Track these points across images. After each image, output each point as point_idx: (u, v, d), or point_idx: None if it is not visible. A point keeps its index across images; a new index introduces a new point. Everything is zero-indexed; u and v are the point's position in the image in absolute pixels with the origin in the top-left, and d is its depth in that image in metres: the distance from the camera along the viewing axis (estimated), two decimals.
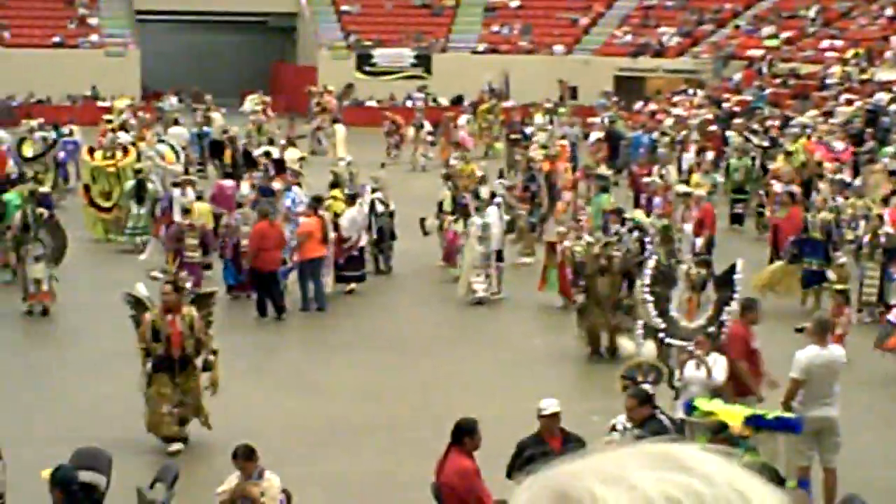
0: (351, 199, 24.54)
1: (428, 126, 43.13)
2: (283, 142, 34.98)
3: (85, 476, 11.54)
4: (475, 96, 51.49)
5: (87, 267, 25.70)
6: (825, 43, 51.19)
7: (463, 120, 43.75)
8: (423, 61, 59.88)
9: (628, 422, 11.81)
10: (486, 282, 23.39)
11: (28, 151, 33.21)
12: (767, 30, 55.51)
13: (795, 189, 27.09)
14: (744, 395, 14.32)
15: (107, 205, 29.30)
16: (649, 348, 16.84)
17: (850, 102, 40.46)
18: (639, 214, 23.43)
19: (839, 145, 33.73)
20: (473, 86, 52.35)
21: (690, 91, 51.13)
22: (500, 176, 28.29)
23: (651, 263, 16.41)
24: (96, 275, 25.47)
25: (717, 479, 1.57)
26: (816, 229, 23.11)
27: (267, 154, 32.58)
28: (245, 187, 26.45)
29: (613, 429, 12.64)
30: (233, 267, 23.12)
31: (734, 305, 15.88)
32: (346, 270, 24.18)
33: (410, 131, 43.41)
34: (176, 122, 41.46)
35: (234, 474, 11.32)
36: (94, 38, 58.80)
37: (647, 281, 15.97)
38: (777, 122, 38.87)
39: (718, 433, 11.47)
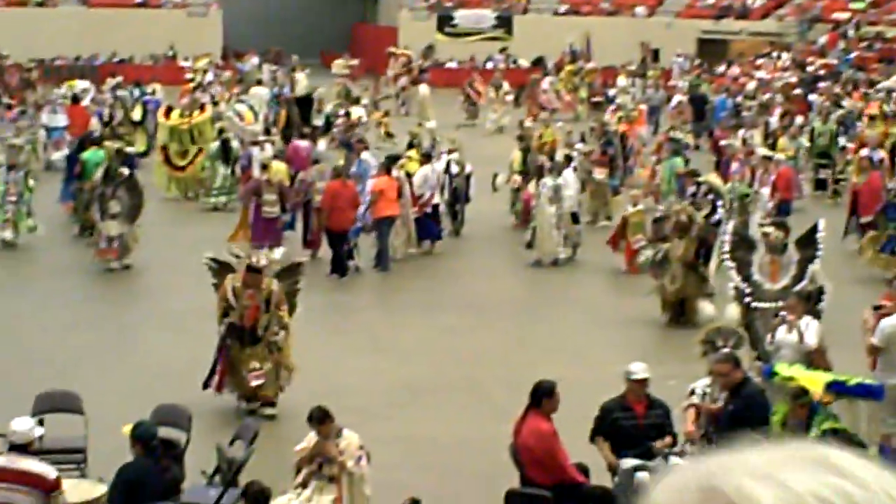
0: (425, 159, 24.54)
1: (506, 87, 43.00)
2: (365, 102, 35.02)
3: (165, 432, 11.66)
4: (556, 58, 51.23)
5: (169, 226, 25.91)
6: None
7: (547, 83, 43.56)
8: (505, 22, 59.64)
9: (721, 389, 11.67)
10: (562, 244, 23.30)
11: (137, 114, 33.61)
12: None
13: (881, 154, 26.70)
14: None
15: (181, 163, 29.50)
16: (731, 312, 16.69)
17: None
18: (712, 178, 23.21)
19: None
20: (555, 48, 52.06)
21: (774, 54, 50.56)
22: (582, 140, 28.15)
23: (730, 228, 16.22)
24: (179, 233, 25.66)
25: (873, 485, 1.51)
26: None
27: (347, 115, 32.80)
28: (322, 144, 26.47)
29: (692, 393, 12.57)
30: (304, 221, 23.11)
31: (818, 264, 15.66)
32: (420, 229, 24.17)
33: (490, 92, 43.31)
34: (259, 83, 41.65)
35: (313, 433, 11.36)
36: None
37: (728, 247, 15.80)
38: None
39: (799, 399, 11.35)
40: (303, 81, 43.30)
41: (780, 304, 14.84)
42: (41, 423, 10.87)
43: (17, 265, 23.08)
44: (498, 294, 21.84)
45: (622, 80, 44.76)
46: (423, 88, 43.18)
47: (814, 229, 16.14)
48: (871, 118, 31.07)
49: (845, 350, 14.45)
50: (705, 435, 12.13)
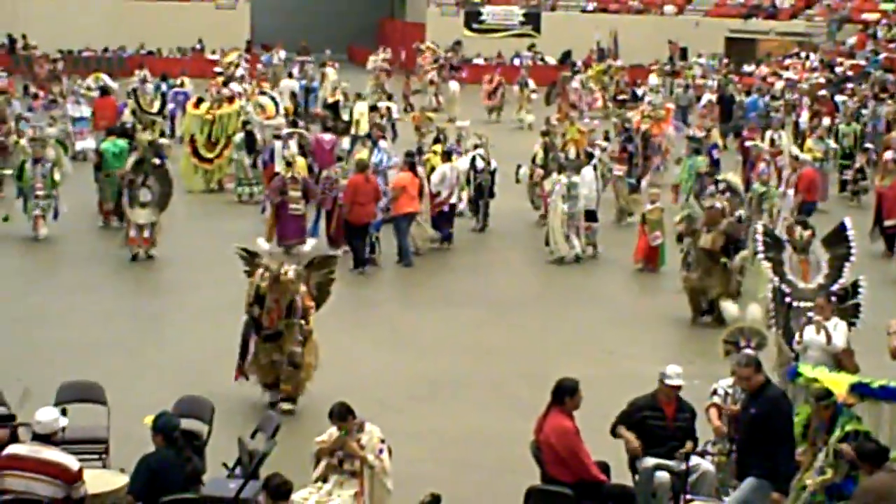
0: (446, 156, 24.52)
1: (532, 84, 42.97)
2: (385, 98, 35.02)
3: (187, 424, 11.68)
4: (584, 56, 51.16)
5: (196, 217, 26.01)
6: None
7: (577, 81, 43.53)
8: (532, 19, 59.61)
9: (743, 391, 11.62)
10: (571, 241, 23.24)
11: (155, 107, 33.71)
12: None
13: None
14: None
15: (209, 155, 29.57)
16: (754, 312, 16.64)
17: None
18: (731, 176, 23.15)
19: None
20: (582, 45, 52.00)
21: (803, 54, 50.39)
22: (606, 138, 28.11)
23: (760, 228, 16.14)
24: (204, 226, 25.76)
25: None
26: None
27: (374, 108, 32.82)
28: (346, 142, 26.44)
29: (714, 393, 12.54)
30: (328, 218, 23.04)
31: (853, 260, 15.56)
32: (435, 227, 24.18)
33: (515, 89, 43.31)
34: (290, 76, 41.73)
35: (335, 427, 11.36)
36: None
37: (762, 247, 15.72)
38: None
39: (823, 400, 11.30)
40: (332, 76, 43.37)
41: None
42: (64, 412, 10.88)
43: (43, 255, 23.17)
44: (519, 290, 21.82)
45: (654, 79, 44.68)
46: (454, 84, 43.21)
47: (842, 227, 16.07)
48: None
49: (873, 352, 14.36)
50: (727, 435, 12.12)
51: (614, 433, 12.09)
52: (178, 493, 10.41)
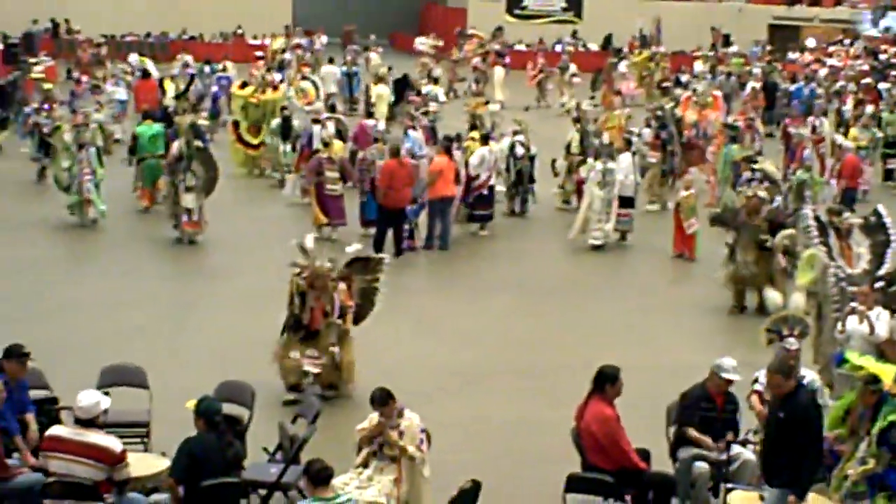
0: (484, 140, 24.51)
1: (573, 69, 42.89)
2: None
3: (228, 408, 11.72)
4: (626, 42, 50.97)
5: (234, 202, 26.02)
6: None
7: (623, 66, 43.39)
8: (574, 5, 59.43)
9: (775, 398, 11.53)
10: (604, 229, 23.19)
11: (170, 90, 33.72)
12: None
13: None
14: None
15: (254, 141, 29.66)
16: (797, 300, 16.53)
17: None
18: (766, 165, 23.02)
19: None
20: (625, 31, 51.80)
21: (846, 41, 50.05)
22: (648, 125, 28.01)
23: (810, 214, 16.03)
24: (249, 210, 25.83)
25: None
26: None
27: (418, 93, 32.87)
28: (381, 124, 26.45)
29: (756, 381, 12.48)
30: (374, 201, 23.09)
31: (894, 247, 15.45)
32: (476, 209, 24.18)
33: (556, 73, 43.25)
34: (331, 61, 41.79)
35: (375, 413, 11.37)
36: None
37: (815, 233, 15.61)
38: None
39: (871, 384, 11.19)
40: (376, 61, 43.41)
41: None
42: (106, 395, 10.95)
43: (82, 241, 23.29)
44: (556, 277, 21.76)
45: (699, 66, 44.47)
46: (499, 70, 43.15)
47: (877, 214, 15.98)
48: None
49: None
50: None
51: (681, 435, 12.02)
52: (219, 478, 10.45)
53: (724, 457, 11.63)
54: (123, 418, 12.34)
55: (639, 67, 44.41)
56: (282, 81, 32.81)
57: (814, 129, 28.34)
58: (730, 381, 12.04)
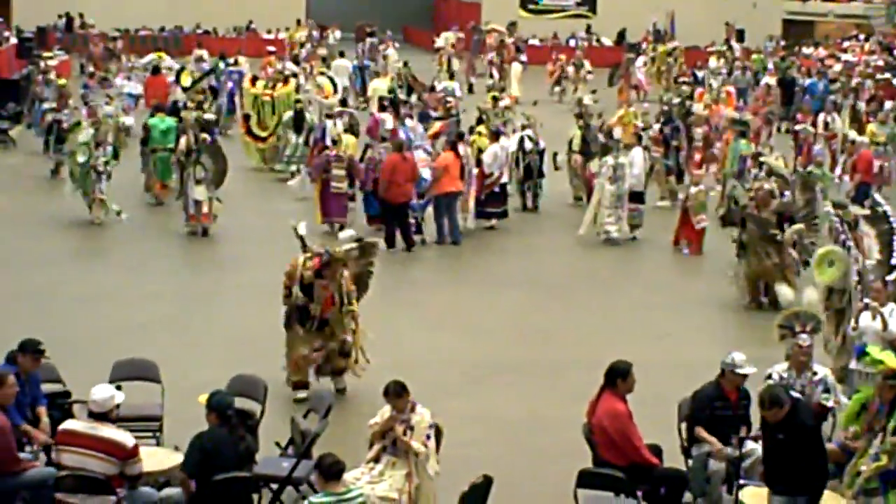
0: (494, 136, 24.47)
1: (587, 65, 42.83)
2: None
3: (240, 403, 11.73)
4: (639, 37, 50.88)
5: (245, 196, 26.05)
6: None
7: (640, 62, 43.30)
8: (588, 0, 59.30)
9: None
10: (617, 223, 23.16)
11: (186, 81, 33.72)
12: None
13: None
14: None
15: (263, 134, 29.72)
16: (810, 296, 16.50)
17: None
18: (772, 160, 22.95)
19: None
20: (639, 26, 51.69)
21: (861, 37, 49.92)
22: (658, 120, 27.94)
23: (832, 212, 15.97)
24: (255, 203, 25.82)
25: None
26: None
27: (432, 89, 32.84)
28: (389, 122, 26.49)
29: (769, 377, 12.46)
30: (374, 198, 23.07)
31: None
32: (488, 206, 24.15)
33: (570, 70, 43.17)
34: (342, 55, 41.78)
35: (387, 407, 11.37)
36: None
37: (842, 229, 15.54)
38: None
39: (890, 379, 11.14)
40: (393, 56, 43.37)
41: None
42: (118, 390, 10.96)
43: (95, 234, 23.30)
44: (567, 272, 21.74)
45: (714, 62, 44.36)
46: (516, 66, 43.08)
47: (875, 204, 15.96)
48: None
49: None
50: None
51: (691, 435, 11.99)
52: (231, 472, 10.45)
53: (737, 453, 11.59)
54: (136, 412, 12.37)
55: (658, 62, 44.29)
56: (295, 75, 32.81)
57: (826, 125, 28.23)
58: (745, 376, 12.01)
